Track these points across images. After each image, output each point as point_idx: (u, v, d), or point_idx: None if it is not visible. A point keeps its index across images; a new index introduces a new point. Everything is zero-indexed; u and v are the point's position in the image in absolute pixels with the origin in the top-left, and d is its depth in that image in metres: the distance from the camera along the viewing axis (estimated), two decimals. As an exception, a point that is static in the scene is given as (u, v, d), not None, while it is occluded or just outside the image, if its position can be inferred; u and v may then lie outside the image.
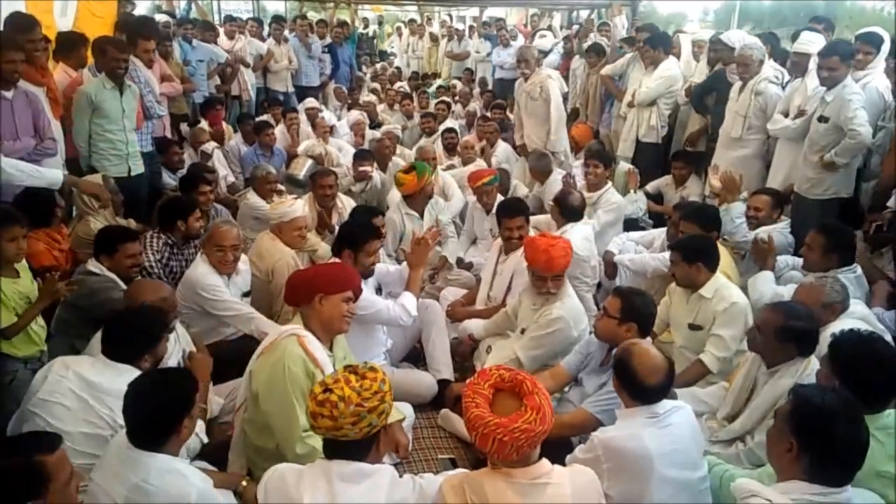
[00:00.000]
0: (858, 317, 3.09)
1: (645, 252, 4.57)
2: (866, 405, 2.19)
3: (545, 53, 9.28)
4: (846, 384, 2.23)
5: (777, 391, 2.67)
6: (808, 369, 2.68)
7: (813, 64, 4.67)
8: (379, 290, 3.75)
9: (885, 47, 4.60)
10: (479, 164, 6.29)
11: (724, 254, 3.90)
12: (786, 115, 4.87)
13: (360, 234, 3.49)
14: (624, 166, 6.18)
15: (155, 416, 2.10)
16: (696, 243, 3.53)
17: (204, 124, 6.88)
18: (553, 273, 3.43)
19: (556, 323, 3.40)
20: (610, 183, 5.25)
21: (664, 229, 4.66)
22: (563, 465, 2.16)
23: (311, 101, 8.43)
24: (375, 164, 6.40)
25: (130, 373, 2.47)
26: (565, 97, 7.44)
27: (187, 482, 2.09)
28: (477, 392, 1.99)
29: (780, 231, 4.29)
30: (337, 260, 3.45)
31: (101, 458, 2.20)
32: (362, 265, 3.44)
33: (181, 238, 4.06)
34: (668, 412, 2.33)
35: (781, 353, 2.74)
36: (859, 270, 3.62)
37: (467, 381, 3.47)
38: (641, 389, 2.34)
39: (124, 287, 3.31)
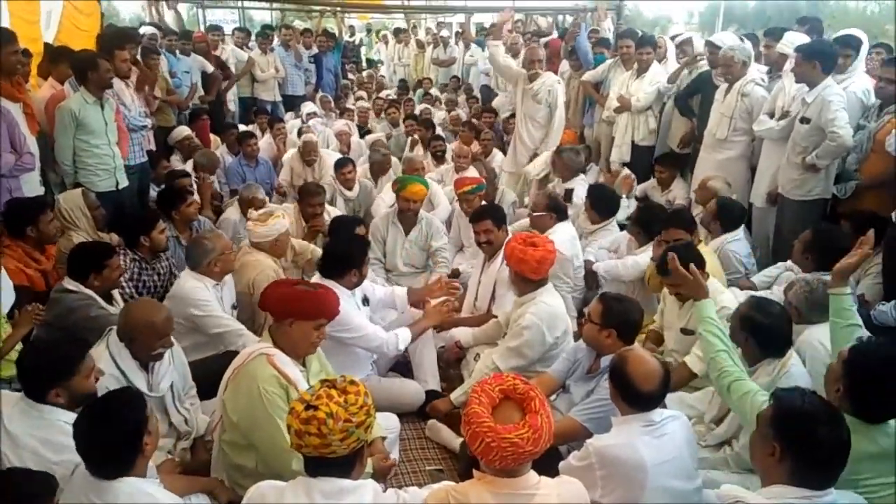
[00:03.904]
0: None
1: (615, 257, 4.58)
2: (871, 417, 2.18)
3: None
4: (856, 392, 2.18)
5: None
6: (787, 367, 2.69)
7: (789, 64, 4.70)
8: (365, 301, 3.73)
9: (864, 49, 4.60)
10: (472, 172, 6.28)
11: (707, 256, 3.91)
12: (771, 115, 4.88)
13: (358, 253, 3.53)
14: (622, 172, 6.19)
15: (114, 443, 2.03)
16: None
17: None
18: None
19: (526, 331, 3.35)
20: (613, 220, 5.09)
21: (626, 233, 4.66)
22: (552, 473, 2.15)
23: (309, 106, 8.47)
24: (368, 173, 6.44)
25: (50, 424, 2.31)
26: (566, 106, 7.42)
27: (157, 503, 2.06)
28: (485, 391, 1.98)
29: (733, 242, 4.27)
30: (326, 282, 3.40)
31: (67, 485, 2.14)
32: (362, 276, 3.52)
33: (149, 253, 3.98)
34: (664, 421, 2.33)
35: (747, 348, 2.76)
36: None
37: (450, 396, 3.53)
38: (636, 396, 2.33)
39: (103, 304, 3.27)
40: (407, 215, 4.84)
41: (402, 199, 4.81)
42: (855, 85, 4.55)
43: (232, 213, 5.29)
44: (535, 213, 4.63)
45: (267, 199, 5.50)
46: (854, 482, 2.08)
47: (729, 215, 4.31)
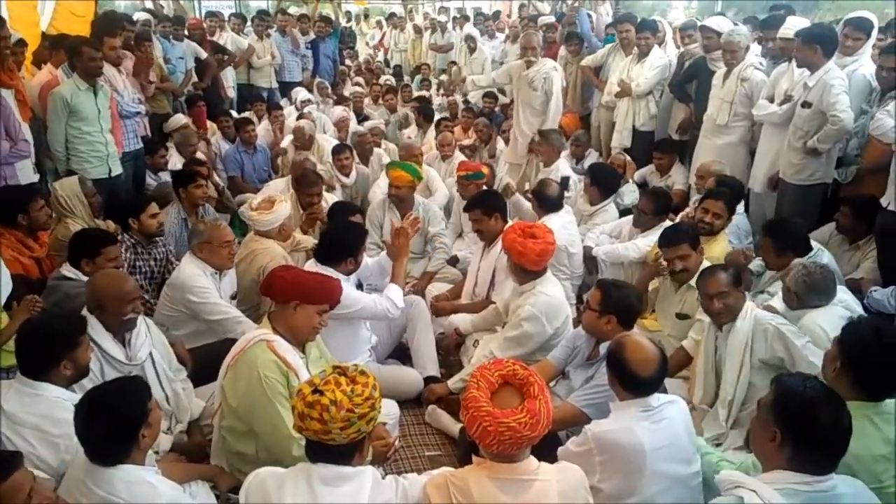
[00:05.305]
0: (843, 305, 3.09)
1: (616, 242, 4.57)
2: (870, 394, 2.19)
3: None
4: (852, 369, 2.21)
5: (739, 338, 2.83)
6: (754, 311, 2.87)
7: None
8: (360, 286, 3.71)
9: (875, 32, 4.55)
10: (459, 157, 6.26)
11: (720, 242, 3.92)
12: (771, 100, 4.85)
13: (355, 241, 3.51)
14: (621, 157, 6.18)
15: (111, 432, 2.01)
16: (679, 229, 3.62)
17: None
18: None
19: (526, 323, 3.35)
20: (611, 201, 5.09)
21: (630, 218, 4.66)
22: (551, 459, 2.14)
23: (303, 93, 8.38)
24: (357, 158, 6.37)
25: (48, 401, 2.34)
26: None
27: (156, 492, 2.05)
28: (484, 376, 1.97)
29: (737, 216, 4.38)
30: (321, 268, 3.39)
31: (66, 472, 2.14)
32: (358, 264, 3.50)
33: (143, 237, 3.96)
34: (662, 406, 2.33)
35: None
36: (826, 257, 3.60)
37: (447, 382, 3.52)
38: (634, 381, 2.33)
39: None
40: (402, 201, 4.82)
41: (388, 183, 4.84)
42: (864, 68, 4.49)
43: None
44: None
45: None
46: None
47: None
